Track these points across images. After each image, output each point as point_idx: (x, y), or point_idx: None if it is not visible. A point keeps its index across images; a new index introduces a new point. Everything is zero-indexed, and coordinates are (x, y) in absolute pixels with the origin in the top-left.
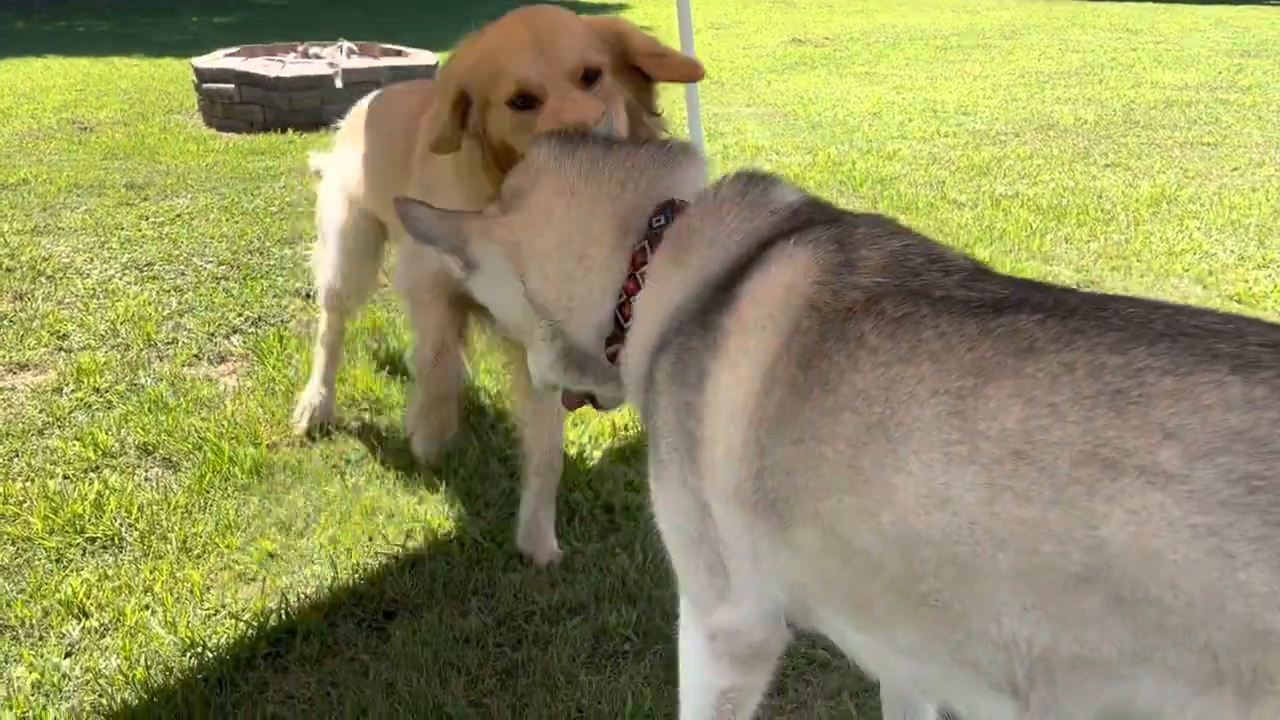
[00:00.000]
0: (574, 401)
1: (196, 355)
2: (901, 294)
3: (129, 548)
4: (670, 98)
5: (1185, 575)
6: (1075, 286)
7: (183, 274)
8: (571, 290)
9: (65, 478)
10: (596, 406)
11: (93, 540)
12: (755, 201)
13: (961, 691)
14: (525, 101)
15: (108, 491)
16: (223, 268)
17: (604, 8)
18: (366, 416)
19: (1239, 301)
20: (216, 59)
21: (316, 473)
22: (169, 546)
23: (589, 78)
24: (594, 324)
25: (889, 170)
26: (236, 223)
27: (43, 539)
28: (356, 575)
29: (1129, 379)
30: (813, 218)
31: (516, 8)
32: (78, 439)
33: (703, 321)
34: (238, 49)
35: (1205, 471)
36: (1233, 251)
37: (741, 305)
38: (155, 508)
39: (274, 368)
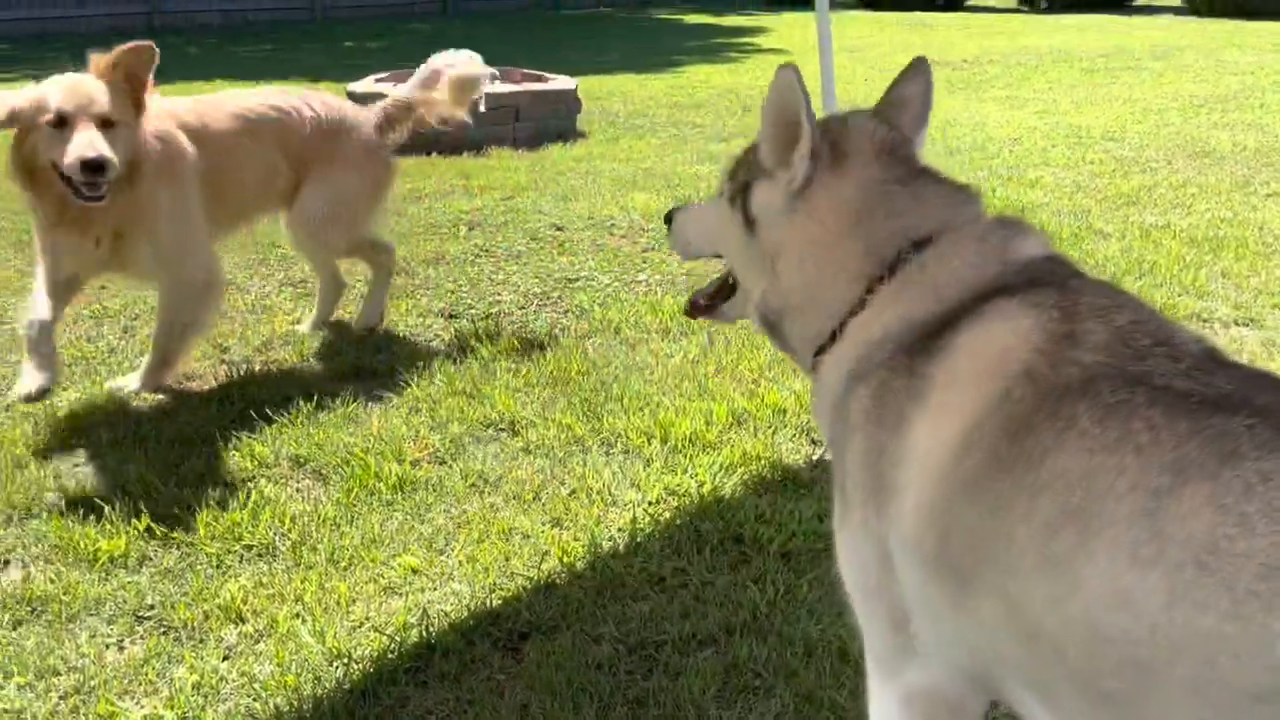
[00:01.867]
0: (700, 310)
1: (345, 371)
2: (1121, 378)
3: (281, 556)
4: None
5: None
6: (1233, 323)
7: None
8: (808, 291)
9: (226, 485)
10: (711, 314)
11: (249, 548)
12: (991, 250)
13: None
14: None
15: (263, 501)
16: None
17: (745, 30)
18: (504, 437)
19: None
20: (368, 84)
21: (456, 491)
22: (318, 557)
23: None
24: (813, 332)
25: (1031, 198)
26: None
27: (205, 544)
28: (493, 595)
29: None
30: (1041, 277)
31: (643, 36)
32: (236, 449)
33: (910, 365)
34: (388, 74)
35: None
36: None
37: (954, 358)
38: (306, 518)
39: (418, 386)
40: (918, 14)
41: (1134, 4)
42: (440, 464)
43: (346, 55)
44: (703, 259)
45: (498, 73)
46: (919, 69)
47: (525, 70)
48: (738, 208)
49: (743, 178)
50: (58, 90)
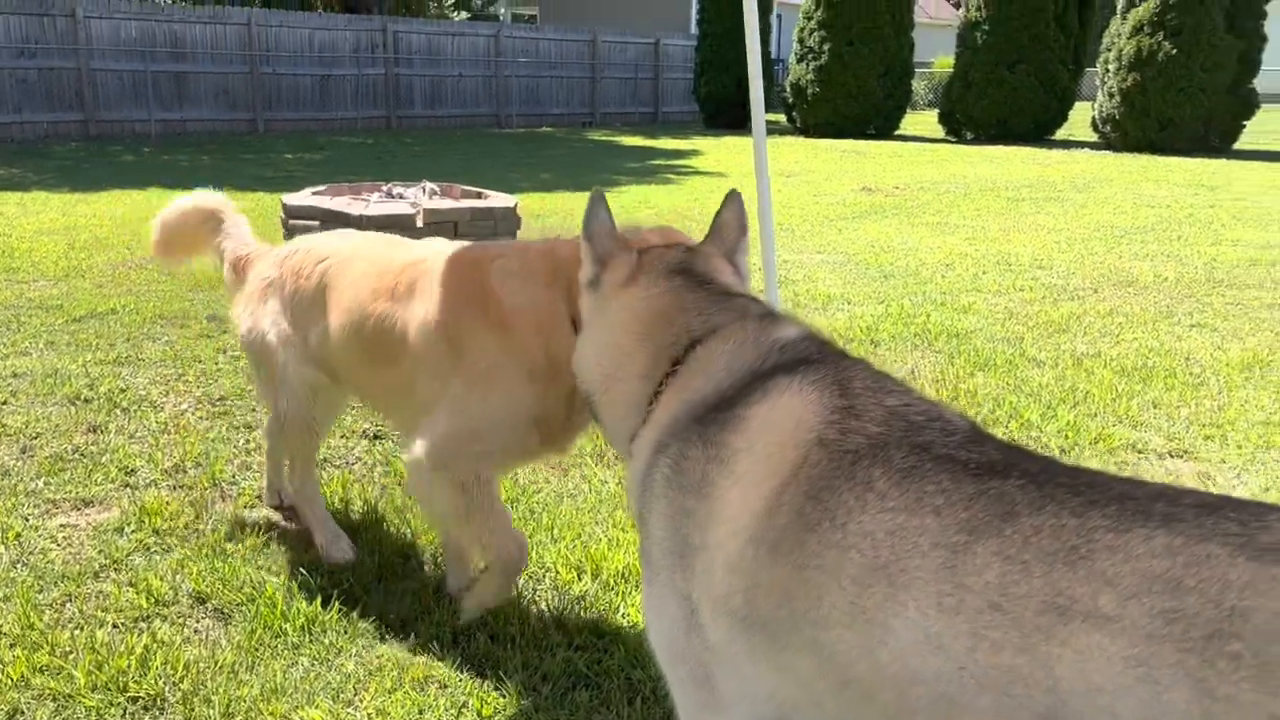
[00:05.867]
0: None
1: (259, 498)
2: (907, 446)
3: (170, 710)
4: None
5: (1122, 702)
6: (1168, 455)
7: (253, 410)
8: (615, 387)
9: (115, 627)
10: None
11: (135, 699)
12: (752, 338)
13: None
14: None
15: (155, 645)
16: None
17: (681, 152)
18: (425, 570)
19: None
20: (304, 196)
21: (370, 632)
22: (212, 711)
23: None
24: (625, 425)
25: (964, 324)
26: None
27: (84, 696)
28: None
29: (1081, 537)
30: (809, 356)
31: (581, 156)
32: (132, 584)
33: (703, 434)
34: (325, 187)
35: (1133, 610)
36: None
37: (750, 429)
38: (202, 665)
39: (336, 515)
40: (850, 141)
41: (1053, 138)
42: (354, 602)
43: (286, 167)
44: None
45: (437, 189)
46: (732, 199)
47: (464, 187)
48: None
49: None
50: None
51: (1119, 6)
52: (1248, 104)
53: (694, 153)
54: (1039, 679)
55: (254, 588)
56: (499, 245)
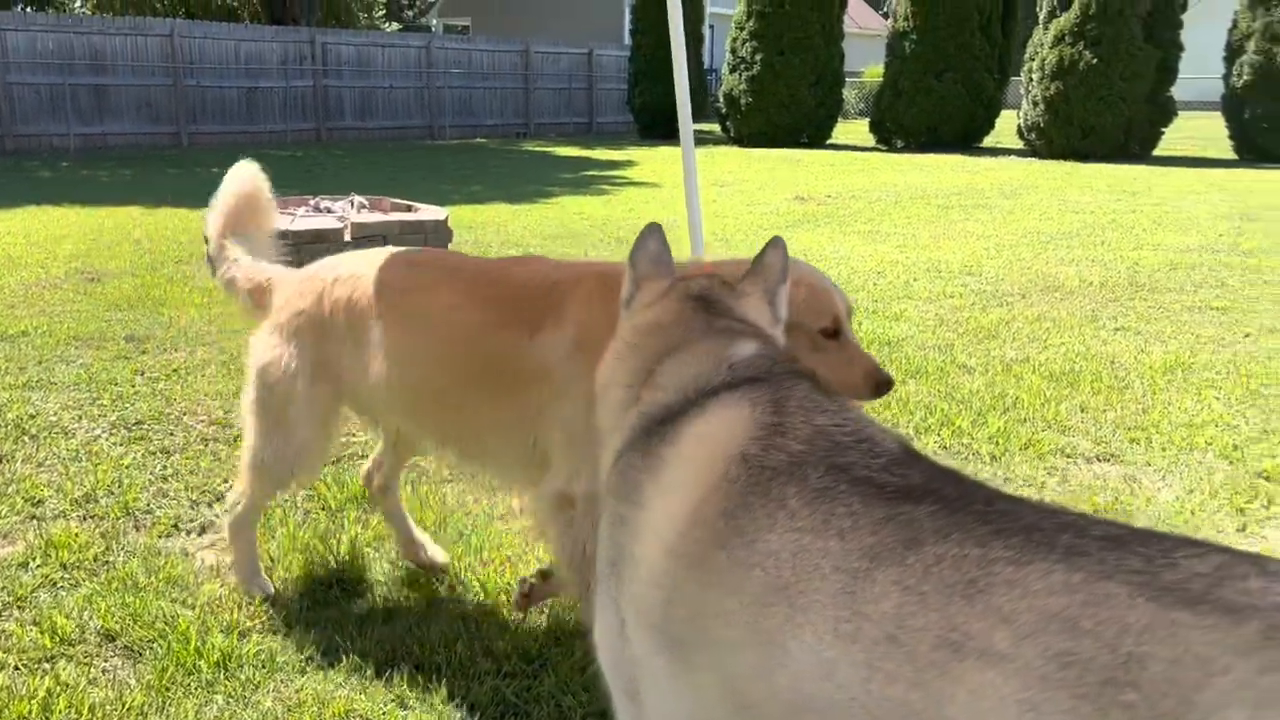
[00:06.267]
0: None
1: (175, 526)
2: (825, 466)
3: None
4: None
5: None
6: (1095, 459)
7: (171, 434)
8: (603, 392)
9: (16, 669)
10: None
11: None
12: (712, 353)
13: None
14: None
15: (59, 688)
16: (213, 428)
17: (616, 163)
18: (350, 599)
19: (1268, 479)
20: None
21: (290, 666)
22: None
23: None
24: (608, 438)
25: (896, 332)
26: (233, 379)
27: None
28: None
29: (982, 569)
30: (759, 375)
31: (515, 167)
32: (36, 623)
33: (645, 446)
34: None
35: (1028, 650)
36: (1256, 424)
37: (683, 442)
38: (108, 708)
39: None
40: (784, 150)
41: (981, 145)
42: (273, 634)
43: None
44: None
45: (365, 201)
46: (776, 244)
47: (394, 200)
48: None
49: None
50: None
51: (1041, 17)
52: (1166, 111)
53: (629, 163)
54: (930, 716)
55: (167, 623)
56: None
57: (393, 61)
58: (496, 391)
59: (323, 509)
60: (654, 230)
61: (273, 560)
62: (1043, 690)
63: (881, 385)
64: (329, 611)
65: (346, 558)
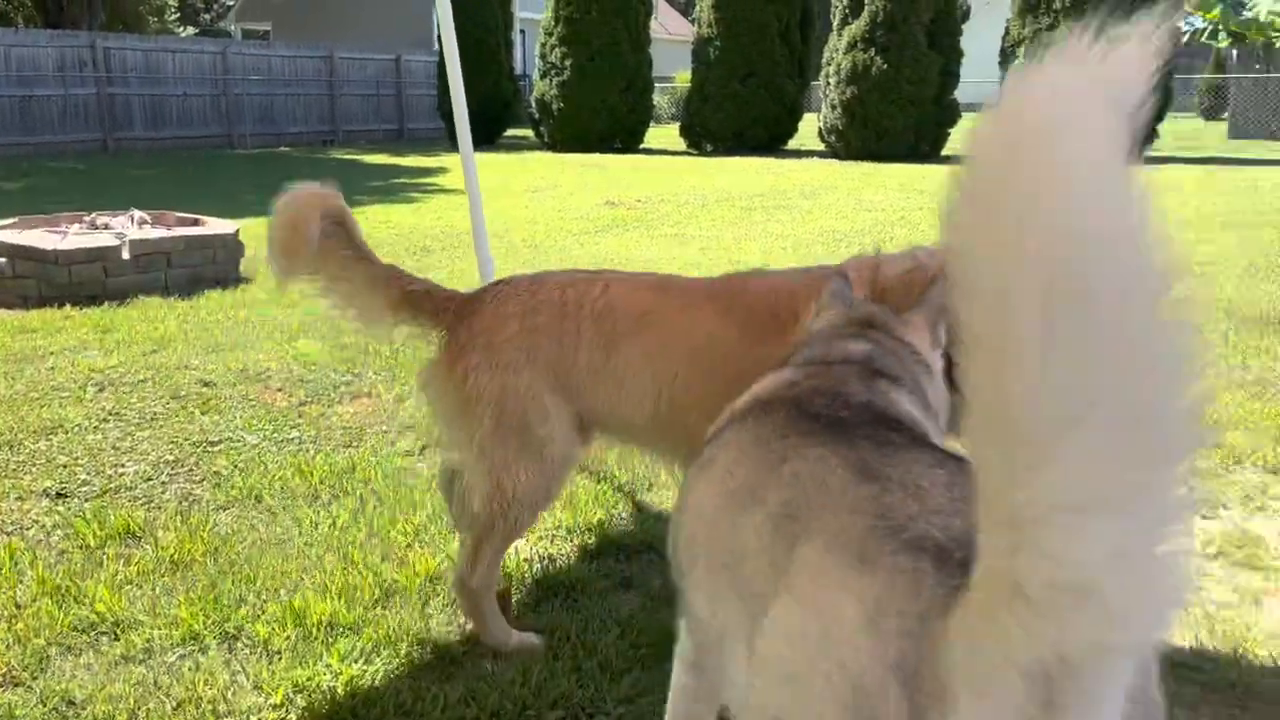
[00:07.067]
0: None
1: None
2: (790, 403)
3: None
4: (468, 263)
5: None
6: None
7: None
8: None
9: None
10: None
11: None
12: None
13: None
14: None
15: None
16: None
17: (428, 170)
18: (103, 643)
19: None
20: None
21: (31, 719)
22: None
23: None
24: None
25: None
26: None
27: None
28: None
29: (795, 454)
30: (833, 360)
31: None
32: None
33: None
34: (14, 219)
35: (772, 498)
36: None
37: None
38: None
39: (0, 590)
40: (596, 155)
41: (786, 148)
42: (16, 687)
43: None
44: None
45: (147, 217)
46: (938, 283)
47: (180, 214)
48: None
49: None
50: None
51: (835, 24)
52: (951, 113)
53: (440, 170)
54: (735, 537)
55: None
56: (855, 261)
57: (185, 68)
58: None
59: (80, 548)
60: (844, 284)
61: (17, 608)
62: (773, 528)
63: None
64: (80, 658)
65: (101, 600)
